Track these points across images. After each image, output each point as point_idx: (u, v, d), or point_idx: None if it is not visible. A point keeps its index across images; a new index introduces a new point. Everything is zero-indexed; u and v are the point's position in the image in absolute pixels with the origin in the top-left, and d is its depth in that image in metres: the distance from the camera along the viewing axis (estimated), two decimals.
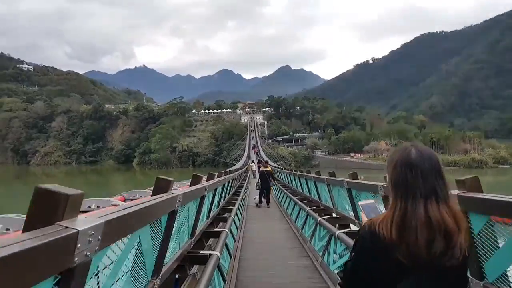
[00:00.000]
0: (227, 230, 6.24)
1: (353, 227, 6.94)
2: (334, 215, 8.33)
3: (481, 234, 2.18)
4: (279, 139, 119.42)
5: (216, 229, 6.66)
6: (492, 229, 2.11)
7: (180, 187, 6.46)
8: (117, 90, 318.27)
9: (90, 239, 1.32)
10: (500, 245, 2.09)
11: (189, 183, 5.23)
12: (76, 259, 1.24)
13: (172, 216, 2.94)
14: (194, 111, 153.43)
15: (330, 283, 5.70)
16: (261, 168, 18.32)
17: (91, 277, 1.53)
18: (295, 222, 11.31)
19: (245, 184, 23.03)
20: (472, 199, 2.15)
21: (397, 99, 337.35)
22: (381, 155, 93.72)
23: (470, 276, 2.22)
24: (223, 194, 9.48)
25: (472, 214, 2.21)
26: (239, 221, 11.07)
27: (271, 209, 15.81)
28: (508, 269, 2.05)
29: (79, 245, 1.24)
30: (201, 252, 4.45)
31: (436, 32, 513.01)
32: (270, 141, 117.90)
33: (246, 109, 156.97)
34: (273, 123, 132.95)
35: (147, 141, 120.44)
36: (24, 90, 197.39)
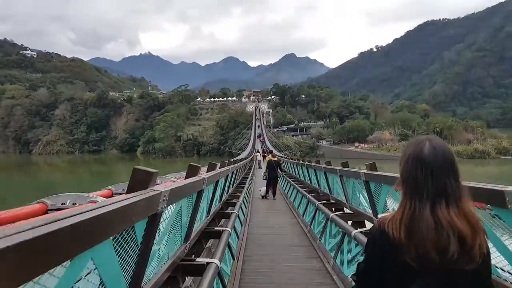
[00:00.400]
0: (229, 230, 5.52)
1: (369, 225, 6.38)
2: (346, 210, 7.66)
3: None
4: (284, 128, 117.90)
5: (217, 228, 5.93)
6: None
7: (180, 178, 5.75)
8: (122, 77, 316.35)
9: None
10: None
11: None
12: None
13: (153, 219, 2.24)
14: (199, 99, 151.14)
15: None
16: (267, 158, 17.94)
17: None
18: (302, 216, 10.59)
19: (250, 174, 22.37)
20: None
21: (401, 88, 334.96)
22: (385, 145, 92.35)
23: None
24: (227, 186, 8.73)
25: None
26: (244, 215, 10.37)
27: (277, 202, 15.18)
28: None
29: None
30: (197, 260, 3.72)
31: (439, 19, 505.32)
32: (275, 130, 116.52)
33: (251, 98, 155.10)
34: (278, 111, 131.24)
35: (151, 130, 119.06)
36: (27, 77, 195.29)
